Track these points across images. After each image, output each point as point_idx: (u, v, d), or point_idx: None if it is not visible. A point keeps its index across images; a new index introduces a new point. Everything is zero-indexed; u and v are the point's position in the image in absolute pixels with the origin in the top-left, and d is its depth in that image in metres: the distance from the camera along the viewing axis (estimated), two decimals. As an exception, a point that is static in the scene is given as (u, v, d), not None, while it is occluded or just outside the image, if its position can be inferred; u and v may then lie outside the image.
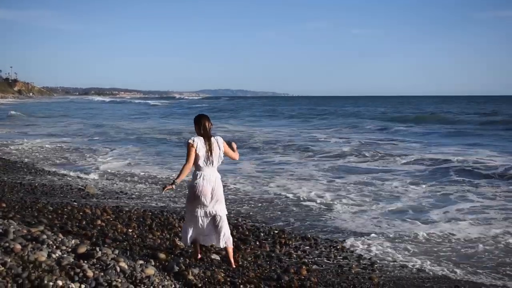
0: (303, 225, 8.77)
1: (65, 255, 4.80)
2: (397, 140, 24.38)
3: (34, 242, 5.03)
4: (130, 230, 7.13)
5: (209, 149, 5.54)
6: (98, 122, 37.89)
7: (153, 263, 5.29)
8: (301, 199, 10.81)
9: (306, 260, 6.67)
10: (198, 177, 5.58)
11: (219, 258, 6.18)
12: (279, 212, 9.66)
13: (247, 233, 7.81)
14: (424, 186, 12.11)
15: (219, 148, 5.62)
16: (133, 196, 10.71)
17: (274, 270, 5.98)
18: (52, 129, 31.50)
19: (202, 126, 5.61)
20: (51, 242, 5.15)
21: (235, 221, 8.59)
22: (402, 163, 15.93)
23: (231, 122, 42.72)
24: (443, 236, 8.10)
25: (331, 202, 10.50)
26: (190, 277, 5.00)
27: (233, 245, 5.90)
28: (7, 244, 4.70)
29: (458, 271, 6.49)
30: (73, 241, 5.43)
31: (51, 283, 3.95)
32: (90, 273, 4.33)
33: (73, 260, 4.66)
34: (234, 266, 5.77)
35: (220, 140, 5.69)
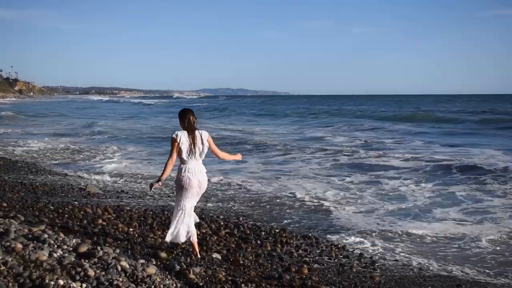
0: (304, 224, 8.77)
1: (66, 254, 4.80)
2: (395, 139, 24.35)
3: (35, 242, 5.03)
4: (131, 229, 7.13)
5: (193, 142, 5.64)
6: (96, 121, 37.74)
7: (154, 262, 5.29)
8: (302, 198, 10.81)
9: (307, 259, 6.67)
10: (183, 170, 5.68)
11: (220, 257, 6.18)
12: (280, 211, 9.66)
13: (248, 232, 7.80)
14: (426, 184, 12.10)
15: (203, 142, 5.71)
16: (134, 195, 10.71)
17: (276, 269, 5.98)
18: (49, 128, 31.45)
19: (186, 120, 5.71)
20: (52, 242, 5.15)
21: (236, 220, 8.59)
22: (402, 162, 15.90)
23: (223, 120, 42.78)
24: (445, 235, 8.10)
25: (332, 201, 10.51)
26: (191, 276, 5.00)
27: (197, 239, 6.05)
28: (8, 244, 4.70)
29: (460, 270, 6.48)
30: (74, 240, 5.43)
31: (52, 283, 3.95)
32: (91, 272, 4.33)
33: (74, 259, 4.66)
34: (199, 256, 5.89)
35: (205, 134, 5.78)
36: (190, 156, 5.66)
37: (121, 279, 4.38)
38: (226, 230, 7.74)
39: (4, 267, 4.10)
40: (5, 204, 7.95)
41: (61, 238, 5.41)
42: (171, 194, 10.87)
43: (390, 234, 8.11)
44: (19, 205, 8.15)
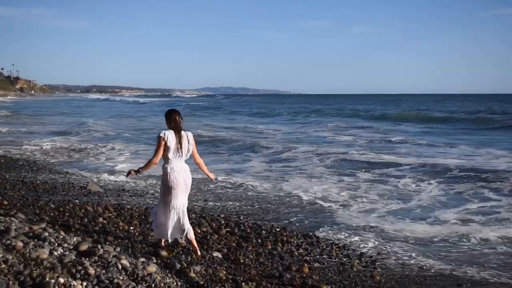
0: (305, 222, 8.76)
1: (66, 253, 4.81)
2: (398, 138, 24.33)
3: (36, 240, 5.04)
4: (131, 228, 7.13)
5: (179, 142, 5.77)
6: (88, 120, 37.61)
7: (154, 261, 5.29)
8: (303, 196, 10.80)
9: (308, 258, 6.67)
10: (168, 169, 5.80)
11: (220, 256, 6.18)
12: (282, 210, 9.65)
13: (248, 230, 7.80)
14: (428, 184, 12.08)
15: (189, 142, 5.85)
16: (135, 194, 10.71)
17: (276, 268, 5.98)
18: (44, 126, 31.42)
19: (172, 120, 5.83)
20: (52, 240, 5.16)
21: (237, 219, 8.59)
22: (406, 161, 15.89)
23: (215, 119, 42.90)
24: (446, 235, 8.08)
25: (334, 200, 10.51)
26: (192, 274, 5.00)
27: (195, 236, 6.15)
28: (9, 242, 4.70)
29: (461, 269, 6.47)
30: (74, 239, 5.44)
31: (52, 281, 3.95)
32: (91, 271, 4.33)
33: (74, 257, 4.67)
34: (199, 254, 5.95)
35: (190, 135, 5.93)
36: (176, 155, 5.78)
37: (121, 278, 4.38)
38: (226, 229, 7.74)
39: (4, 265, 4.11)
40: (6, 202, 7.95)
41: (61, 236, 5.42)
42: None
43: (391, 233, 8.10)
44: (20, 203, 8.16)
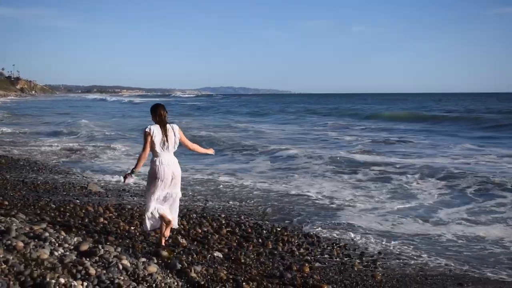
0: (306, 222, 8.75)
1: (67, 253, 4.81)
2: (401, 138, 24.34)
3: (36, 240, 5.03)
4: (132, 228, 7.13)
5: (165, 135, 5.91)
6: (89, 121, 37.59)
7: (155, 261, 5.29)
8: (304, 196, 10.80)
9: (309, 258, 6.66)
10: (156, 162, 5.94)
11: (221, 256, 6.18)
12: (281, 209, 9.64)
13: (249, 230, 7.80)
14: (430, 183, 12.06)
15: (175, 134, 6.00)
16: (136, 194, 10.71)
17: (277, 268, 5.97)
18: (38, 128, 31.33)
19: (157, 115, 5.98)
20: (53, 240, 5.16)
21: (238, 219, 8.58)
22: (409, 161, 15.89)
23: (208, 118, 42.97)
24: (447, 234, 8.08)
25: (334, 200, 10.49)
26: (193, 274, 4.99)
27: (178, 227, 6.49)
28: (9, 242, 4.70)
29: (462, 268, 6.46)
30: (75, 239, 5.44)
31: (53, 281, 3.95)
32: (92, 271, 4.33)
33: (75, 257, 4.66)
34: (163, 244, 6.08)
35: (176, 127, 6.07)
36: (163, 148, 5.93)
37: (122, 278, 4.38)
38: (227, 229, 7.74)
39: (5, 266, 4.11)
40: (6, 203, 7.95)
41: (62, 237, 5.42)
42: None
43: (391, 232, 8.10)
44: (20, 204, 8.16)
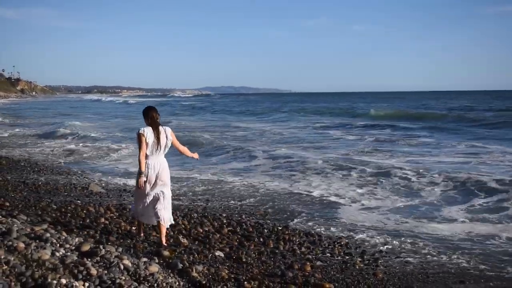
0: (307, 221, 8.75)
1: (68, 253, 4.80)
2: (403, 137, 24.34)
3: (37, 241, 5.03)
4: (133, 228, 7.12)
5: (157, 137, 6.03)
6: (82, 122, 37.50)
7: (157, 261, 5.29)
8: (305, 194, 10.80)
9: (310, 256, 6.65)
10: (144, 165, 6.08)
11: (223, 255, 6.18)
12: (282, 208, 9.63)
13: (250, 229, 7.80)
14: (430, 182, 12.05)
15: (167, 137, 6.12)
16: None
17: (278, 267, 5.97)
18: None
19: (150, 117, 6.09)
20: (54, 241, 5.16)
21: (239, 218, 8.58)
22: (412, 159, 15.90)
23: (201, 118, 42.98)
24: (448, 231, 8.07)
25: (335, 198, 10.49)
26: (194, 274, 4.99)
27: (171, 224, 6.47)
28: (10, 243, 4.70)
29: (463, 266, 6.45)
30: (76, 239, 5.44)
31: (54, 282, 3.95)
32: (93, 271, 4.33)
33: (76, 258, 4.66)
34: (164, 244, 6.18)
35: (168, 130, 6.19)
36: (154, 151, 6.07)
37: (123, 278, 4.38)
38: (228, 228, 7.74)
39: (6, 267, 4.11)
40: (7, 204, 7.96)
41: (63, 237, 5.42)
42: (173, 193, 10.84)
43: (392, 231, 8.09)
44: (21, 205, 8.16)
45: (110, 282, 4.24)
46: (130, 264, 4.73)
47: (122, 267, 4.61)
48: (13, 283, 3.86)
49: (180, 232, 7.19)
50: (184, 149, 6.50)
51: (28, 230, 5.52)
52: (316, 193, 11.02)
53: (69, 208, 8.19)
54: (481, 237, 7.75)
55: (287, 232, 7.74)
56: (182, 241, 6.61)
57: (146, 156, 6.04)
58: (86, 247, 5.06)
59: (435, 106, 58.18)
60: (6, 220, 5.92)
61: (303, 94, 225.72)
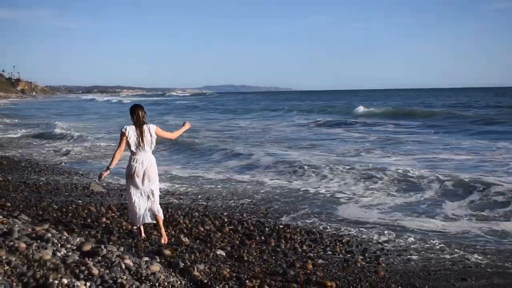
0: (308, 219, 8.74)
1: (70, 253, 4.80)
2: (405, 134, 24.33)
3: (39, 241, 5.03)
4: (134, 228, 7.12)
5: (140, 136, 6.17)
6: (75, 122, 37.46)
7: (158, 260, 5.29)
8: (305, 193, 10.80)
9: (312, 255, 6.65)
10: (132, 160, 6.27)
11: (224, 254, 6.18)
12: (282, 207, 9.63)
13: (252, 228, 7.79)
14: (431, 180, 12.03)
15: (151, 135, 6.24)
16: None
17: (280, 265, 5.97)
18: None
19: (135, 116, 6.23)
20: (56, 241, 5.16)
21: (240, 217, 8.58)
22: (405, 158, 15.87)
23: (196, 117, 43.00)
24: (449, 228, 8.07)
25: (335, 196, 10.50)
26: (196, 273, 4.99)
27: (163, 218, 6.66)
28: (11, 243, 4.70)
29: (465, 263, 6.44)
30: (78, 239, 5.44)
31: (56, 282, 3.95)
32: (95, 271, 4.33)
33: (78, 258, 4.66)
34: (165, 240, 6.35)
35: (152, 127, 6.30)
36: (139, 148, 6.20)
37: (125, 277, 4.38)
38: (230, 227, 7.74)
39: (8, 267, 4.11)
40: (8, 204, 7.97)
41: (64, 237, 5.42)
42: (174, 192, 10.87)
43: (393, 229, 8.08)
44: (22, 205, 8.17)
45: (111, 281, 4.23)
46: (131, 264, 4.73)
47: (123, 266, 4.61)
48: (14, 284, 3.86)
49: (181, 231, 7.19)
50: (174, 134, 6.66)
51: (29, 230, 5.52)
52: (316, 191, 11.02)
53: (70, 208, 8.20)
54: (483, 234, 7.74)
55: (288, 231, 7.74)
56: (184, 240, 6.60)
57: (133, 152, 6.21)
58: (87, 247, 5.05)
59: (435, 103, 58.14)
60: (7, 220, 5.92)
61: (303, 92, 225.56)
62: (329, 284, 5.32)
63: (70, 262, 4.46)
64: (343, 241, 7.36)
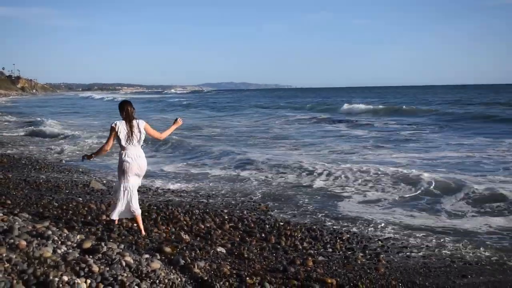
0: (309, 216, 8.75)
1: (70, 251, 4.81)
2: (408, 131, 24.32)
3: (39, 238, 5.04)
4: (135, 225, 7.12)
5: (130, 131, 6.30)
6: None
7: (158, 257, 5.29)
8: (306, 190, 10.80)
9: (312, 252, 6.66)
10: (123, 155, 6.37)
11: (224, 251, 6.18)
12: (284, 204, 9.63)
13: (252, 225, 7.80)
14: (431, 179, 12.03)
15: (140, 130, 6.36)
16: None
17: (280, 262, 5.97)
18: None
19: (124, 111, 6.36)
20: (56, 238, 5.16)
21: (240, 214, 8.58)
22: (406, 157, 15.88)
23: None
24: (450, 226, 8.07)
25: (336, 194, 10.50)
26: (196, 270, 4.99)
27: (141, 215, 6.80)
28: (12, 241, 4.70)
29: (465, 260, 6.45)
30: (78, 236, 5.44)
31: (56, 279, 3.95)
32: (95, 268, 4.33)
33: (78, 255, 4.67)
34: (143, 233, 6.51)
35: (142, 122, 6.43)
36: (128, 142, 6.31)
37: (125, 274, 4.38)
38: (230, 224, 7.74)
39: (8, 264, 4.11)
40: (9, 202, 7.97)
41: (65, 234, 5.42)
42: (174, 190, 10.87)
43: (393, 226, 8.08)
44: (23, 202, 8.17)
45: (112, 279, 4.24)
46: (132, 261, 4.73)
47: (124, 264, 4.61)
48: (15, 281, 3.86)
49: (181, 229, 7.20)
50: (163, 133, 6.72)
51: (30, 227, 5.52)
52: (316, 188, 11.02)
53: (70, 205, 8.20)
54: (484, 231, 7.74)
55: (288, 228, 7.74)
56: (184, 237, 6.61)
57: (123, 147, 6.32)
58: (87, 244, 5.06)
59: (434, 100, 58.10)
60: (7, 218, 5.92)
61: (303, 90, 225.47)
62: (329, 281, 5.32)
63: (71, 259, 4.46)
64: (344, 238, 7.37)
